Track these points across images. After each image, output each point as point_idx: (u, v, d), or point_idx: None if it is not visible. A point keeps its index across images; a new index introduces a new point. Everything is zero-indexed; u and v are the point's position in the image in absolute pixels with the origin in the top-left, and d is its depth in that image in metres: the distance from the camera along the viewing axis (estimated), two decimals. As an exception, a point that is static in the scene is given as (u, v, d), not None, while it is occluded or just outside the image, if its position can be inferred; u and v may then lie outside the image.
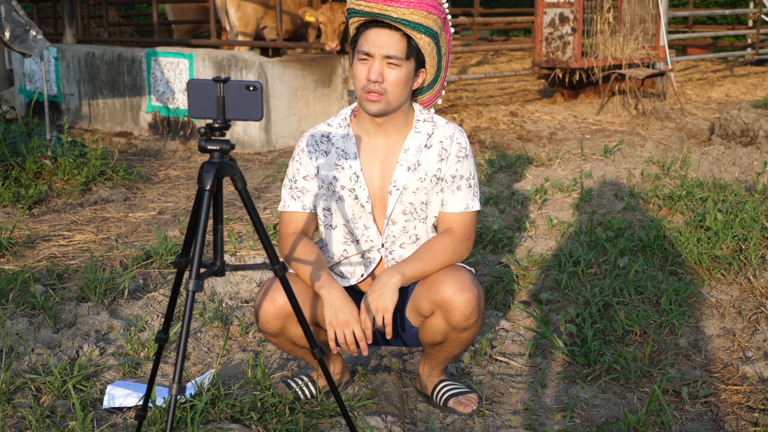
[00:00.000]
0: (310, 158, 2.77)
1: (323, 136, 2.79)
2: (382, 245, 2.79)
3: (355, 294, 2.85)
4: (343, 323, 2.60)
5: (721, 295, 3.74)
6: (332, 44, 7.81)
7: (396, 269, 2.68)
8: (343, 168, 2.75)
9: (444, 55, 2.75)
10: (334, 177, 2.75)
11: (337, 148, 2.76)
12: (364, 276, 2.83)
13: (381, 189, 2.76)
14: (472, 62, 13.65)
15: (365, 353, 2.63)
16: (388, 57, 2.62)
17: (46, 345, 3.34)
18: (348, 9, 2.68)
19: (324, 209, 2.80)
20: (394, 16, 2.60)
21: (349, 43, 2.78)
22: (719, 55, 12.18)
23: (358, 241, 2.79)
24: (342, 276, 2.86)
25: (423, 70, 2.73)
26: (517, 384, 3.11)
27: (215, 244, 2.25)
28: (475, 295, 2.67)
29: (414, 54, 2.66)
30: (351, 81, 7.76)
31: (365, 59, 2.65)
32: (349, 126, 2.78)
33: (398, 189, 2.73)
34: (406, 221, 2.77)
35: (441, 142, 2.75)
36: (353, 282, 2.84)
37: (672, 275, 3.91)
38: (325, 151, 2.77)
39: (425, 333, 2.78)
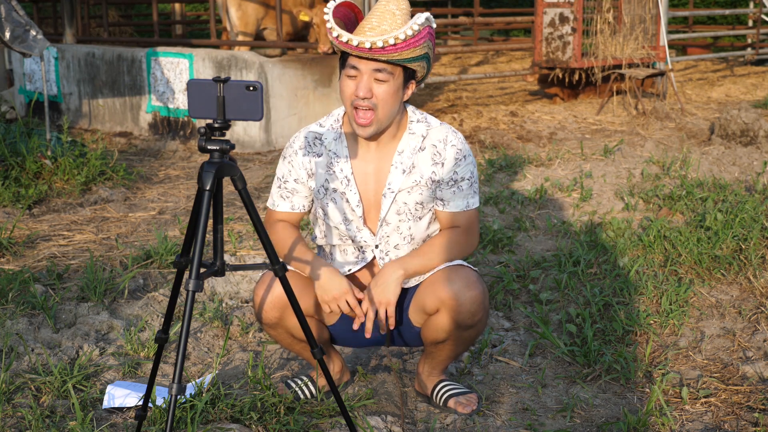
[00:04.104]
0: (303, 161, 2.76)
1: (316, 137, 2.76)
2: (376, 246, 2.78)
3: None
4: (333, 298, 2.64)
5: (721, 295, 3.74)
6: (324, 47, 7.74)
7: (399, 263, 2.69)
8: (334, 171, 2.73)
9: (432, 59, 2.71)
10: (326, 180, 2.75)
11: (329, 150, 2.74)
12: (353, 270, 2.81)
13: (375, 192, 2.74)
14: (472, 62, 13.64)
15: (361, 321, 2.68)
16: (377, 71, 2.58)
17: (46, 345, 3.34)
18: (334, 45, 2.62)
19: (319, 209, 2.80)
20: (383, 59, 2.56)
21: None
22: (719, 55, 12.17)
23: (353, 240, 2.79)
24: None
25: (413, 81, 2.69)
26: (517, 384, 3.11)
27: (215, 244, 2.25)
28: (481, 292, 2.68)
29: (403, 66, 2.62)
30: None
31: (354, 75, 2.61)
32: (341, 127, 2.75)
33: (392, 191, 2.71)
34: (399, 221, 2.75)
35: (434, 145, 2.73)
36: (345, 272, 2.84)
37: (672, 275, 3.91)
38: (318, 153, 2.75)
39: (429, 331, 2.78)
